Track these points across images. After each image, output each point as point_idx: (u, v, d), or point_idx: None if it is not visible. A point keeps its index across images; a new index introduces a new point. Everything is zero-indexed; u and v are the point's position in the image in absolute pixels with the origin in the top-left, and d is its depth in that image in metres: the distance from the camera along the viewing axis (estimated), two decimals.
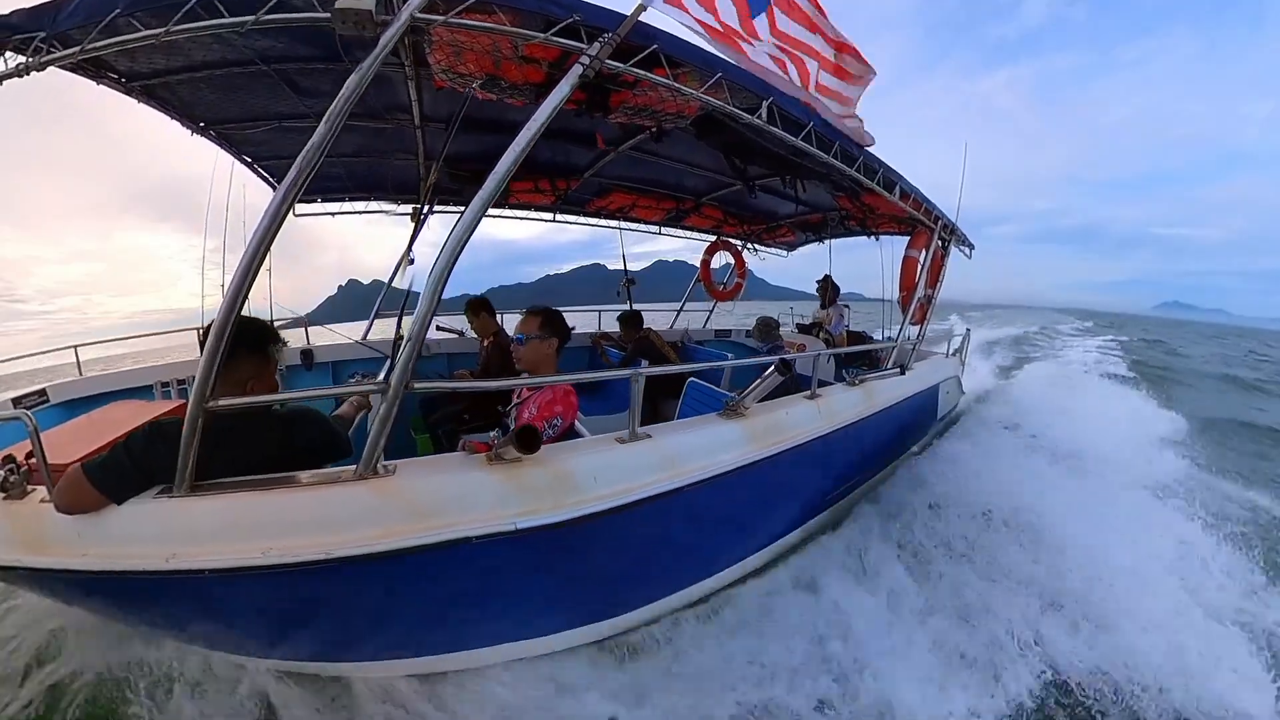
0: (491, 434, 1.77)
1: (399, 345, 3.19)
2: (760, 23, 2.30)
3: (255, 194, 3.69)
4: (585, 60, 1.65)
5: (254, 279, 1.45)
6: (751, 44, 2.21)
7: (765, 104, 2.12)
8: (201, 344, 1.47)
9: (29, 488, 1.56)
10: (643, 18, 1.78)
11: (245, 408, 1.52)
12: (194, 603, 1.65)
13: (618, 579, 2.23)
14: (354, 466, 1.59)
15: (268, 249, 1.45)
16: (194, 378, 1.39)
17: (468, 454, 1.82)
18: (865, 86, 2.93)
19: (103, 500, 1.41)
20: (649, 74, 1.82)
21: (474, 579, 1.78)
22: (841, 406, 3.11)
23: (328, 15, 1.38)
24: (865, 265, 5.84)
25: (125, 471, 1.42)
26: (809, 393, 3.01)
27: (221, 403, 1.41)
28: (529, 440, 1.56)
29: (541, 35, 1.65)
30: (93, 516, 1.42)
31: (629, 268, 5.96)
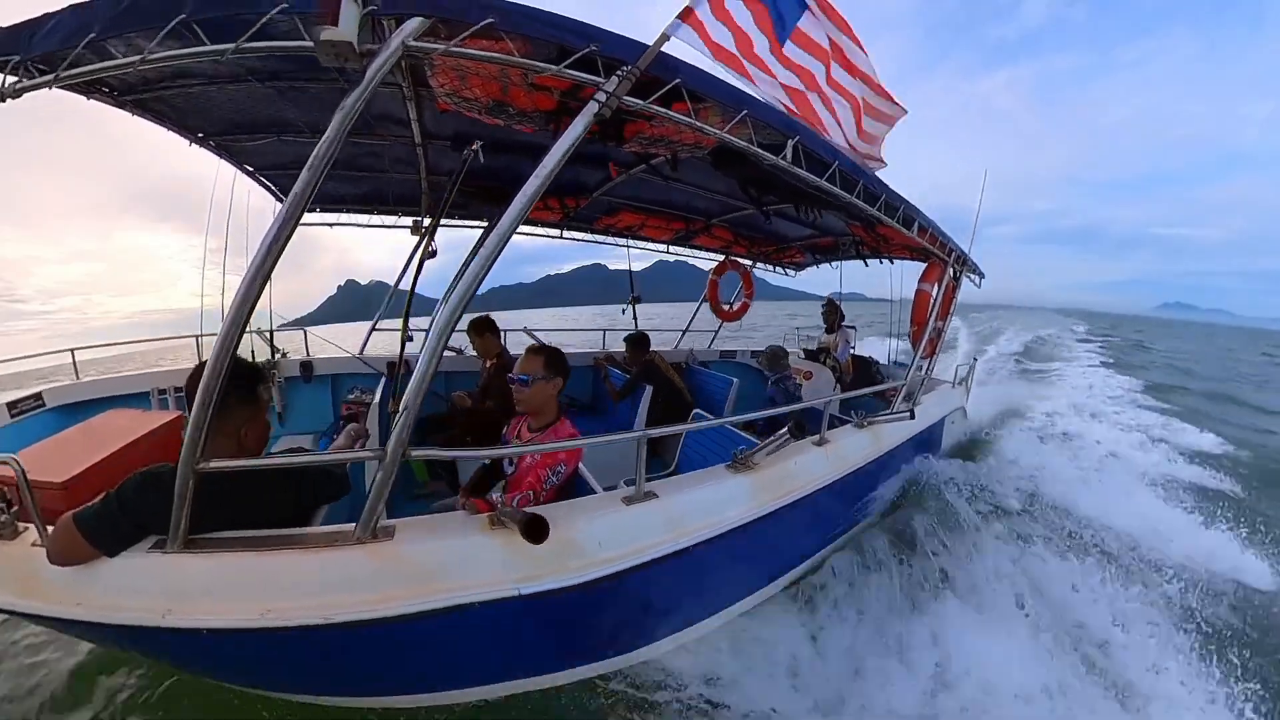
0: (494, 495, 1.71)
1: (399, 373, 3.06)
2: (790, 50, 2.16)
3: (257, 195, 3.59)
4: (601, 97, 1.52)
5: (244, 328, 1.37)
6: (779, 73, 2.08)
7: (791, 143, 1.99)
8: (199, 354, 1.38)
9: (20, 526, 1.52)
10: (665, 48, 1.65)
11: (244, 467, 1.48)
12: (194, 651, 1.65)
13: (618, 627, 2.20)
14: (353, 527, 1.56)
15: (262, 286, 1.35)
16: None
17: (469, 514, 1.77)
18: (892, 125, 2.81)
19: (95, 553, 1.38)
20: (669, 111, 1.69)
21: (475, 635, 1.77)
22: (850, 451, 3.06)
23: (310, 45, 1.25)
24: (866, 265, 5.83)
25: (117, 524, 1.39)
26: (818, 437, 2.89)
27: (213, 465, 1.35)
28: (536, 532, 1.50)
29: (554, 68, 1.51)
30: (86, 566, 1.39)
31: (630, 267, 5.72)
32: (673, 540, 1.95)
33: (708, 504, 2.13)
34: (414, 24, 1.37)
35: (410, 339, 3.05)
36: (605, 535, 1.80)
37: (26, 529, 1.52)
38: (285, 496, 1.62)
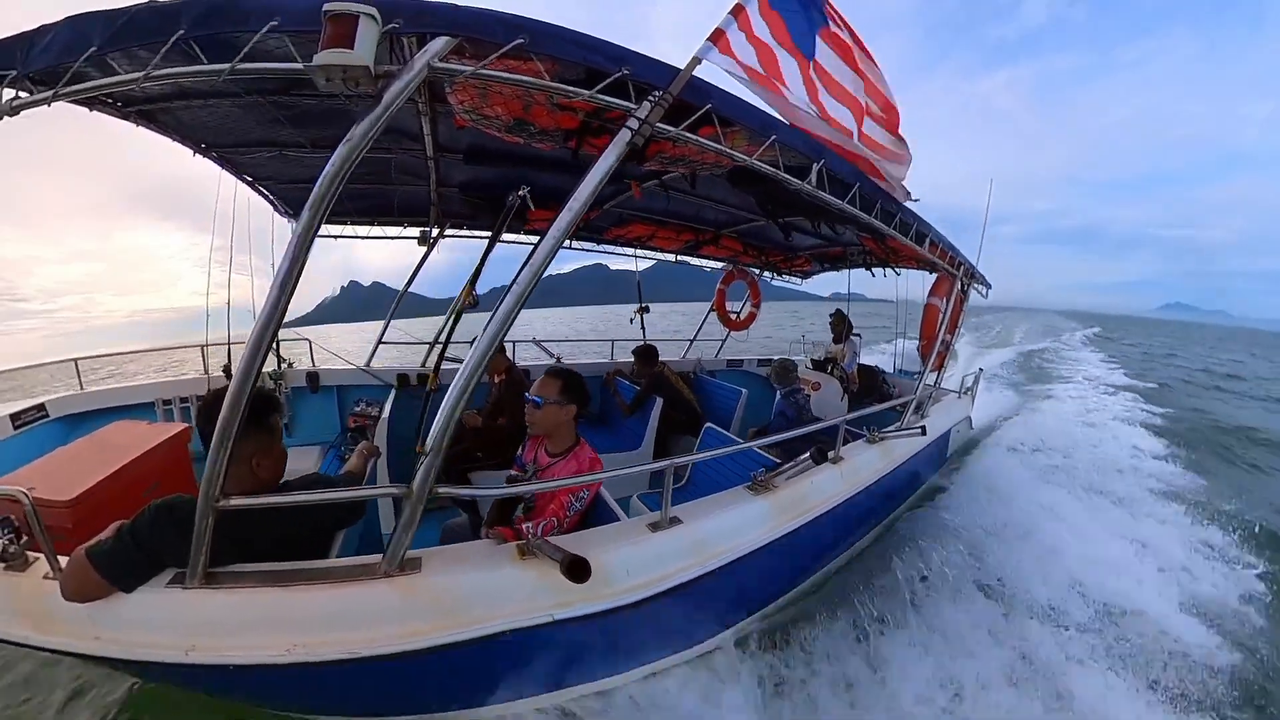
0: (524, 526, 1.69)
1: (427, 392, 3.03)
2: (816, 69, 2.13)
3: (259, 197, 3.51)
4: (634, 124, 1.47)
5: (262, 366, 1.32)
6: (808, 92, 2.05)
7: (816, 167, 1.96)
8: (205, 365, 1.35)
9: (30, 556, 1.49)
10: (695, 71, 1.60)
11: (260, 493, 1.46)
12: (219, 683, 1.64)
13: (640, 643, 2.21)
14: (379, 559, 1.54)
15: (279, 324, 1.32)
16: (196, 398, 1.35)
17: (495, 543, 1.75)
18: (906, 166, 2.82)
19: (110, 589, 1.35)
20: (699, 138, 1.65)
21: (507, 660, 1.79)
22: (862, 467, 3.07)
23: (302, 67, 1.17)
24: (873, 275, 5.83)
25: (131, 559, 1.35)
26: (833, 454, 2.87)
27: (234, 503, 1.33)
28: (578, 573, 1.49)
29: (585, 93, 1.47)
30: (102, 601, 1.36)
31: (636, 269, 5.72)
32: (698, 565, 1.95)
33: (730, 528, 2.13)
34: (439, 44, 1.30)
35: (457, 362, 3.00)
36: (634, 563, 1.80)
37: (38, 559, 1.47)
38: (299, 530, 1.59)
